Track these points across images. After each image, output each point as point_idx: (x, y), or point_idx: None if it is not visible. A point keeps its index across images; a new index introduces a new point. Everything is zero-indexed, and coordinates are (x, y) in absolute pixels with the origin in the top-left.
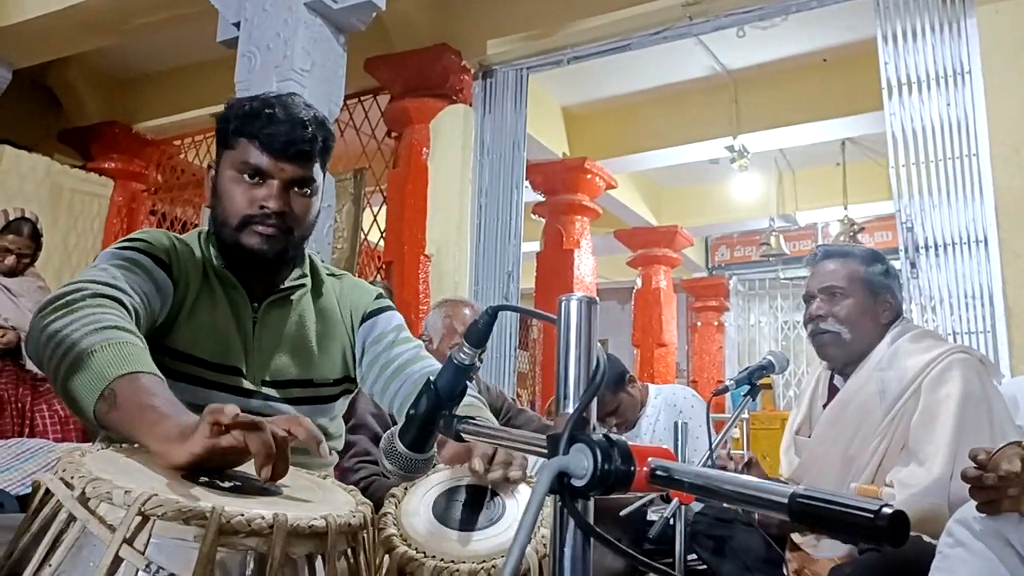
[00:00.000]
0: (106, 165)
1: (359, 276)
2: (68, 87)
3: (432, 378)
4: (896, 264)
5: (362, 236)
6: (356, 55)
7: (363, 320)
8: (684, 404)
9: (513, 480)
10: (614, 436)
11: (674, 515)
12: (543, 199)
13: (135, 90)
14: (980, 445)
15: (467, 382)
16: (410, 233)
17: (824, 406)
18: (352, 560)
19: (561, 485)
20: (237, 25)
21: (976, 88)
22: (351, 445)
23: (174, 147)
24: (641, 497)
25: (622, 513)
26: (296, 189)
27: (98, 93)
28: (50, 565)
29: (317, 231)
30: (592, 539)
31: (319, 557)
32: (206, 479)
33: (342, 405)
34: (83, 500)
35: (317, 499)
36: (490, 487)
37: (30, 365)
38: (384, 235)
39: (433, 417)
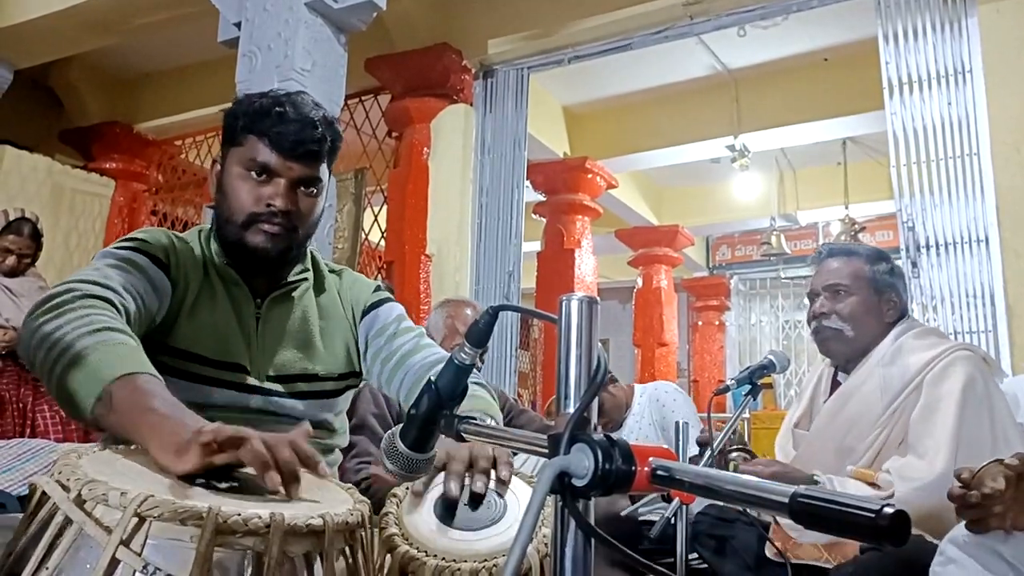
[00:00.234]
0: (107, 165)
1: None
2: (69, 87)
3: (433, 377)
4: (898, 264)
5: (363, 236)
6: (357, 55)
7: (364, 314)
8: (667, 398)
9: (503, 480)
10: (615, 436)
11: (675, 515)
12: (544, 199)
13: (136, 90)
14: (981, 442)
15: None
16: (411, 233)
17: (825, 402)
18: (350, 558)
19: (562, 485)
20: (238, 25)
21: (977, 87)
22: (353, 446)
23: (175, 147)
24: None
25: (623, 514)
26: (303, 188)
27: (99, 93)
28: (47, 567)
29: (318, 230)
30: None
31: (317, 556)
32: (203, 480)
33: (346, 400)
34: (79, 502)
35: (315, 498)
36: (492, 487)
37: None
38: (385, 235)
39: (434, 417)
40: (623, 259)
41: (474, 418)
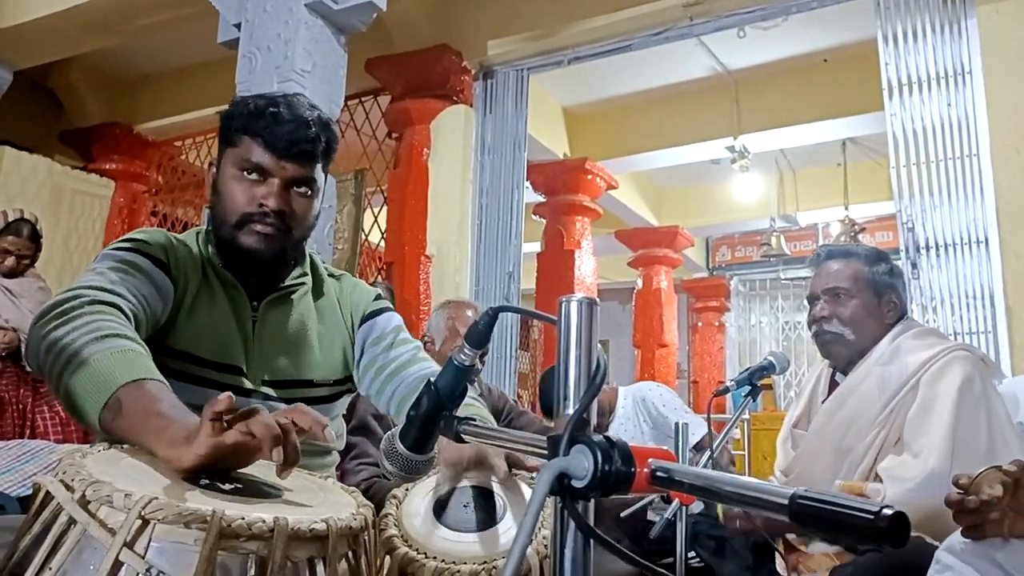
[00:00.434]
0: (107, 166)
1: (360, 277)
2: (69, 88)
3: (432, 379)
4: (897, 264)
5: (363, 237)
6: (357, 56)
7: (363, 321)
8: (652, 395)
9: (530, 468)
10: (614, 437)
11: (675, 516)
12: (544, 200)
13: (136, 91)
14: (976, 443)
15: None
16: (411, 234)
17: (823, 402)
18: (353, 562)
19: (561, 486)
20: (238, 26)
21: (977, 88)
22: (352, 447)
23: (175, 148)
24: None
25: (623, 515)
26: (296, 189)
27: (99, 94)
28: (50, 568)
29: (318, 232)
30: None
31: (320, 560)
32: (207, 481)
33: (342, 405)
34: (83, 503)
35: (318, 502)
36: (492, 488)
37: None
38: (385, 236)
39: (433, 418)
40: (623, 260)
41: (474, 419)
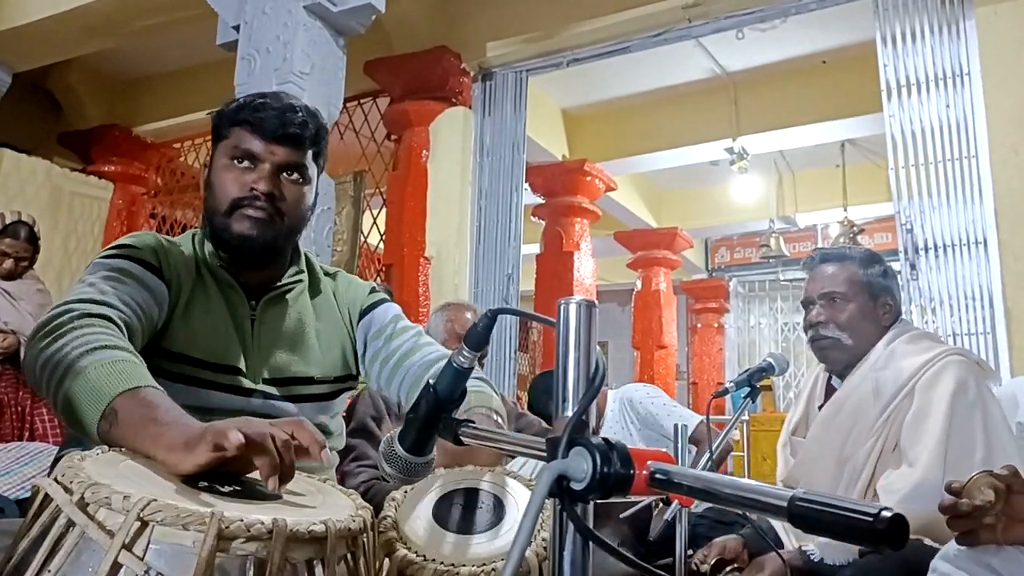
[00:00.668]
0: (106, 168)
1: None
2: (68, 90)
3: (432, 381)
4: (895, 266)
5: (362, 239)
6: (356, 58)
7: (361, 316)
8: (638, 395)
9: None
10: (613, 439)
11: (675, 517)
12: (543, 201)
13: (135, 93)
14: (971, 447)
15: (466, 386)
16: (410, 236)
17: (820, 407)
18: (352, 564)
19: (560, 488)
20: (237, 28)
21: (975, 90)
22: (351, 449)
23: (174, 150)
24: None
25: (623, 516)
26: (287, 175)
27: (98, 96)
28: (49, 570)
29: (317, 234)
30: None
31: (319, 562)
32: (206, 484)
33: (342, 402)
34: (82, 505)
35: (317, 503)
36: (491, 490)
37: None
38: (384, 238)
39: (432, 420)
40: (622, 261)
41: (473, 421)
